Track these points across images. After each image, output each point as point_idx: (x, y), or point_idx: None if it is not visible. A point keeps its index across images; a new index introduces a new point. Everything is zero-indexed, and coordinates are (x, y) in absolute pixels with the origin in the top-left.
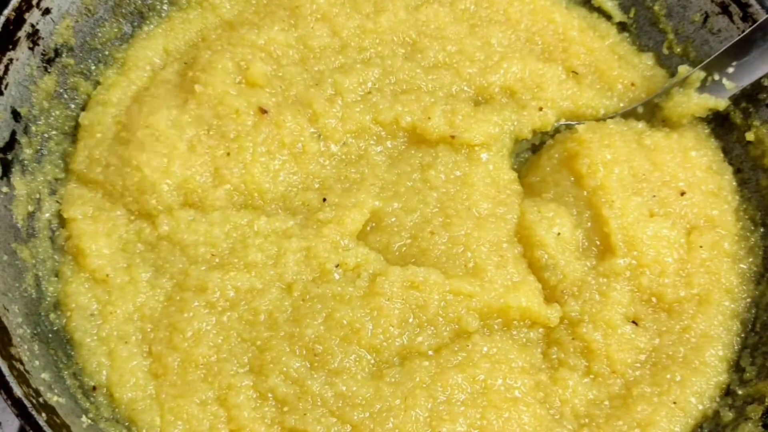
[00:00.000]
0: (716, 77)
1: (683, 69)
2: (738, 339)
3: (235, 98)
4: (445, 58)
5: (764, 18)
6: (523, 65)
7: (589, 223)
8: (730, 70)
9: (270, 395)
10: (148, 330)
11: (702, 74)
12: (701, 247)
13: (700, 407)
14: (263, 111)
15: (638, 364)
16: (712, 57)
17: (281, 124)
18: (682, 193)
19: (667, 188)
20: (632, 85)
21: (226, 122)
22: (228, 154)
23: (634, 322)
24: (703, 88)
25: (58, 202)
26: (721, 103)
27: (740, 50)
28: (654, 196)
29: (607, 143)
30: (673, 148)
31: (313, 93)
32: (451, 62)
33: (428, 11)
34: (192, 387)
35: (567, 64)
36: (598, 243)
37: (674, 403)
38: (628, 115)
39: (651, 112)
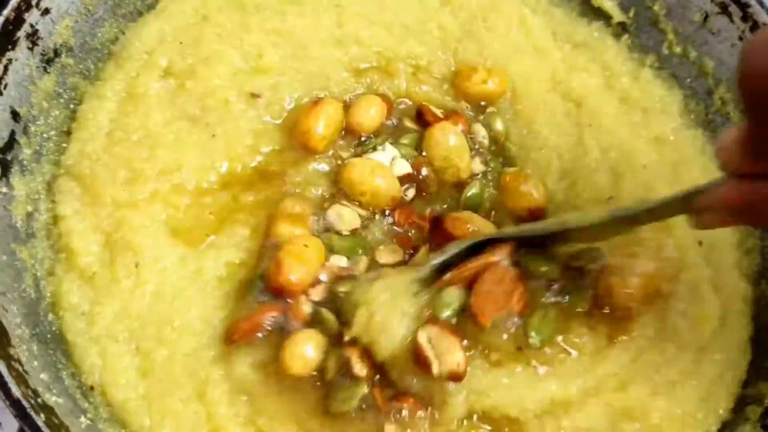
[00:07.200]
0: None
1: None
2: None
3: (227, 90)
4: None
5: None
6: None
7: None
8: None
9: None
10: (136, 326)
11: None
12: (700, 243)
13: (709, 412)
14: (255, 95)
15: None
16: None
17: (275, 102)
18: None
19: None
20: None
21: (210, 112)
22: (213, 136)
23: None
24: None
25: (53, 200)
26: None
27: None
28: None
29: None
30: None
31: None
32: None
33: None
34: (177, 383)
35: None
36: None
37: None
38: None
39: None
